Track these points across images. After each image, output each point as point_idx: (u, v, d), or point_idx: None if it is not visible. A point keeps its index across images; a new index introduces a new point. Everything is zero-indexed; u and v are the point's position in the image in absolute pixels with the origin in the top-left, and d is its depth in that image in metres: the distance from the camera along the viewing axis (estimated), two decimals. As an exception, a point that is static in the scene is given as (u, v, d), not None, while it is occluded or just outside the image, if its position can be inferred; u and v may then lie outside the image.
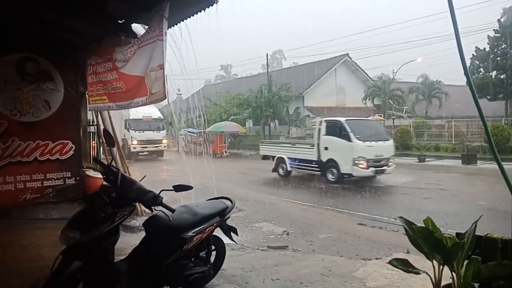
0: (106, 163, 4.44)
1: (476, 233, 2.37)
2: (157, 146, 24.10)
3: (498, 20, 26.99)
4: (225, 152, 25.49)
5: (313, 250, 5.80)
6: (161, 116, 25.36)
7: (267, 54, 34.36)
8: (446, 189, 11.25)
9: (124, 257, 3.23)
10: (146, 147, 23.68)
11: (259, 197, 10.39)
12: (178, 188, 3.10)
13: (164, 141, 24.72)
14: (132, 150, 23.08)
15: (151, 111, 24.21)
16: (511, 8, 30.01)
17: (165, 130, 25.28)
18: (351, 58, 34.43)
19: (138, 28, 5.89)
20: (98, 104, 6.46)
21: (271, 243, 6.09)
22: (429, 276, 2.29)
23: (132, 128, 23.40)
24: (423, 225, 2.33)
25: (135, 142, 23.15)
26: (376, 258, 5.25)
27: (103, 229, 2.74)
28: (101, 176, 3.26)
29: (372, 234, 6.73)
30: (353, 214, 8.24)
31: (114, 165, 3.35)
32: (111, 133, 6.23)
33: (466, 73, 2.75)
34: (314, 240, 6.38)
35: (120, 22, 5.87)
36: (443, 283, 2.31)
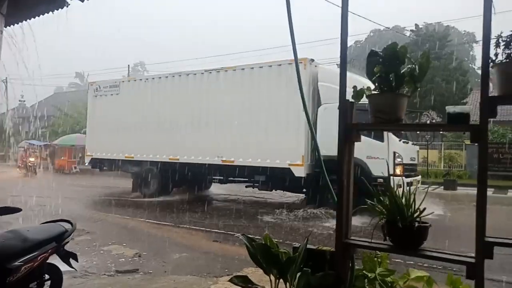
0: None
1: (310, 247, 2.64)
2: (416, 178, 11.10)
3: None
4: (75, 167, 23.24)
5: (165, 272, 5.63)
6: None
7: (128, 66, 33.07)
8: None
9: None
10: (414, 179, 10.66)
11: (111, 217, 9.71)
12: (2, 210, 2.66)
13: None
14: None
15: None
16: (358, 42, 35.32)
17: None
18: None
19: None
20: None
21: (119, 267, 5.70)
22: (267, 290, 2.44)
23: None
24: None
25: (399, 170, 9.95)
26: (228, 275, 5.37)
27: None
28: None
29: (226, 250, 6.90)
30: (209, 232, 8.33)
31: None
32: None
33: (304, 105, 3.08)
34: (168, 260, 6.21)
35: None
36: (279, 295, 2.47)
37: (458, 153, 20.98)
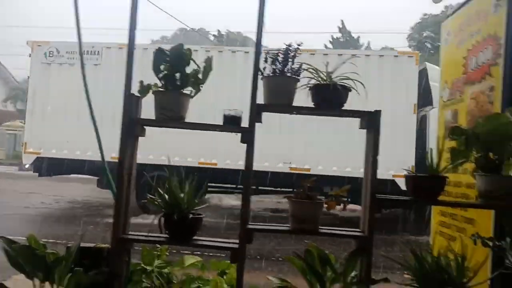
0: None
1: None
2: None
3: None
4: None
5: None
6: None
7: None
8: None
9: None
10: None
11: None
12: None
13: None
14: None
15: None
16: (164, 37, 35.05)
17: None
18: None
19: None
20: None
21: None
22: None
23: None
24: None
25: None
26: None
27: None
28: None
29: None
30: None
31: None
32: None
33: (86, 91, 2.89)
34: None
35: None
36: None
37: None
